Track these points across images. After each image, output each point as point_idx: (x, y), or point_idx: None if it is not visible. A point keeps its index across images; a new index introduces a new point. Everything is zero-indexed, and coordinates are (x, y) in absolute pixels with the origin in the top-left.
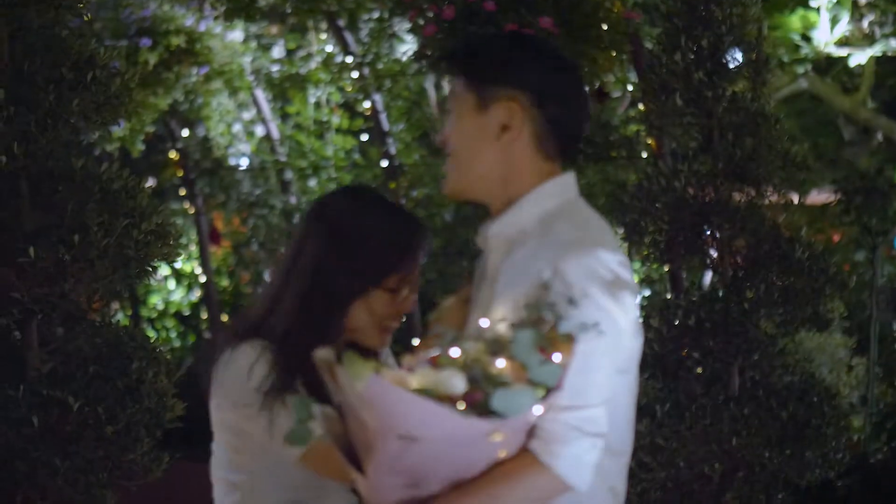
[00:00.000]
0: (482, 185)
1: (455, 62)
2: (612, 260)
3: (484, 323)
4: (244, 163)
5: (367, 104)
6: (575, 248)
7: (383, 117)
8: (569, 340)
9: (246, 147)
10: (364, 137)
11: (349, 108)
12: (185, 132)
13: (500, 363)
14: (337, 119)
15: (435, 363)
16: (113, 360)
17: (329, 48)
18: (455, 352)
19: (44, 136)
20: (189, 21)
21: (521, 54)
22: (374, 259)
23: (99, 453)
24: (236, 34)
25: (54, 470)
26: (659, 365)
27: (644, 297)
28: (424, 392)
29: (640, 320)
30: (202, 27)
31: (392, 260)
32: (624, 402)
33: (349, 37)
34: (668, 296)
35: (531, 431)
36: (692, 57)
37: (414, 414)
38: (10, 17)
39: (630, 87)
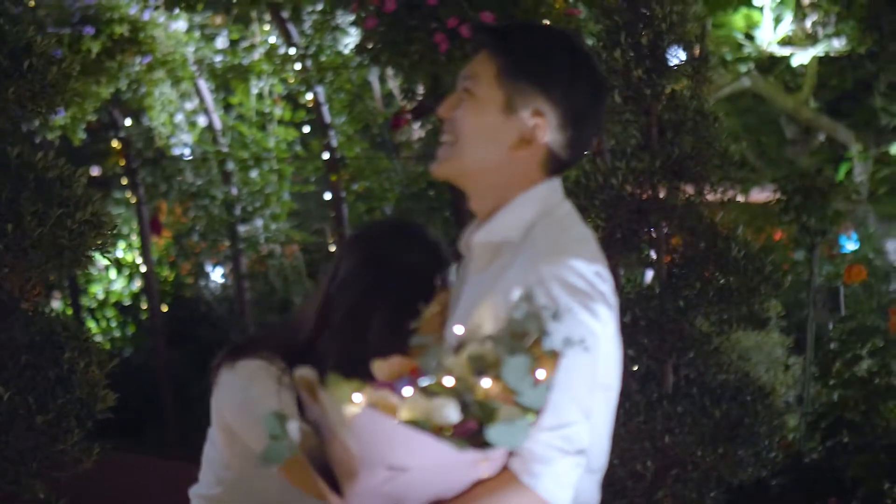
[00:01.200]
0: (476, 181)
1: (494, 44)
2: (588, 270)
3: (458, 330)
4: (187, 153)
5: (309, 96)
6: (549, 258)
7: (325, 109)
8: (553, 357)
9: (188, 137)
10: (306, 129)
11: (292, 99)
12: (128, 122)
13: (486, 383)
14: (279, 111)
15: (426, 390)
16: (45, 350)
17: (272, 39)
18: (448, 381)
19: None
20: (133, 10)
21: (566, 63)
22: (409, 295)
23: (29, 443)
24: (180, 24)
25: None
26: None
27: None
28: (417, 423)
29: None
30: (146, 16)
31: (421, 295)
32: (603, 418)
33: (292, 28)
34: None
35: (511, 451)
36: (632, 54)
37: (406, 446)
38: None
39: None
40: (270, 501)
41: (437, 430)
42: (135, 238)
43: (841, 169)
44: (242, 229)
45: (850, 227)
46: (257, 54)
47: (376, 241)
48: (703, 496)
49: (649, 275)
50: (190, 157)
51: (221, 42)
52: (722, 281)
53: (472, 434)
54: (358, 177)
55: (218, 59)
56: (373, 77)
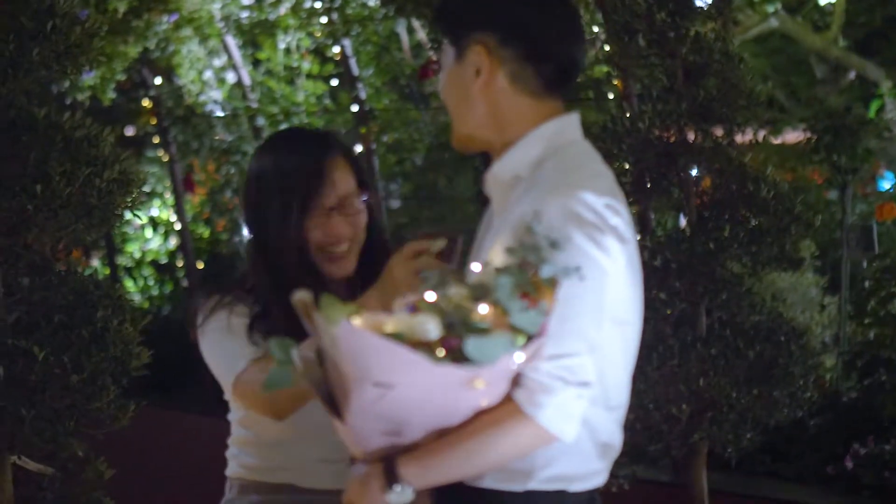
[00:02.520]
0: (478, 134)
1: (434, 15)
2: (598, 202)
3: (476, 268)
4: (217, 110)
5: (336, 49)
6: (558, 190)
7: (353, 62)
8: (551, 285)
9: (218, 94)
10: (334, 83)
11: (319, 53)
12: (158, 80)
13: (483, 309)
14: (307, 65)
15: (414, 308)
16: (78, 309)
17: None
18: (430, 295)
19: (4, 85)
20: None
21: None
22: (286, 192)
23: (65, 402)
24: None
25: (20, 419)
26: None
27: None
28: (397, 337)
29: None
30: None
31: (301, 187)
32: (619, 353)
33: None
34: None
35: (515, 380)
36: None
37: (387, 360)
38: None
39: (596, 29)
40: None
41: (419, 346)
42: (169, 196)
43: (872, 107)
44: None
45: (882, 166)
46: (283, 9)
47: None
48: (740, 438)
49: (684, 219)
50: (220, 114)
51: None
52: (753, 222)
53: (453, 350)
54: (387, 128)
55: (244, 14)
56: (401, 28)
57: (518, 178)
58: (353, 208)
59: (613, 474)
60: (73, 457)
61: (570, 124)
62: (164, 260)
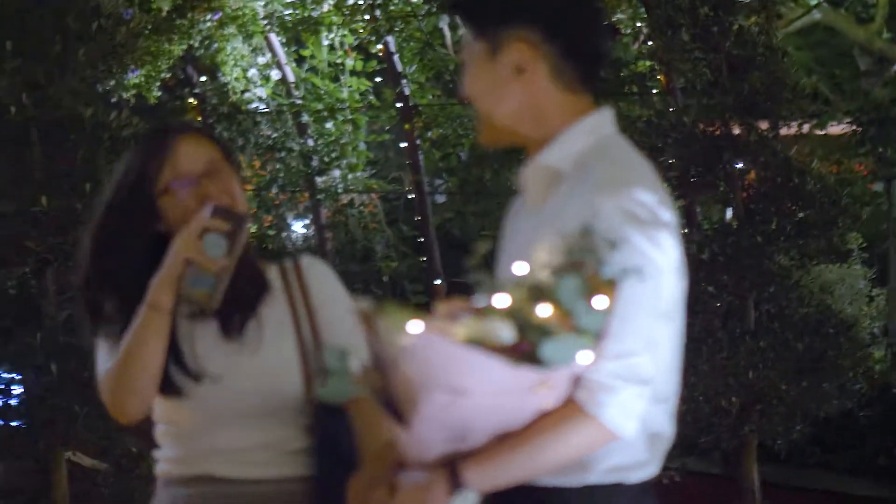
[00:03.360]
0: (512, 130)
1: (460, 10)
2: (650, 199)
3: (520, 268)
4: (261, 107)
5: (380, 46)
6: (611, 189)
7: (396, 59)
8: (611, 286)
9: (262, 91)
10: (378, 79)
11: (363, 49)
12: (203, 78)
13: (544, 310)
14: (351, 61)
15: (480, 313)
16: None
17: None
18: (503, 300)
19: (51, 86)
20: None
21: None
22: (118, 185)
23: None
24: None
25: (74, 416)
26: None
27: None
28: (472, 343)
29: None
30: None
31: (137, 168)
32: (668, 347)
33: None
34: (684, 231)
35: (576, 382)
36: None
37: (462, 366)
38: None
39: (640, 24)
40: None
41: (493, 350)
42: None
43: None
44: (320, 180)
45: None
46: (327, 6)
47: None
48: (790, 430)
49: (731, 212)
50: (265, 111)
51: None
52: (800, 215)
53: (526, 354)
54: (431, 124)
55: (287, 12)
56: (443, 23)
57: (558, 173)
58: (220, 177)
59: (665, 466)
60: (126, 452)
61: (607, 118)
62: None
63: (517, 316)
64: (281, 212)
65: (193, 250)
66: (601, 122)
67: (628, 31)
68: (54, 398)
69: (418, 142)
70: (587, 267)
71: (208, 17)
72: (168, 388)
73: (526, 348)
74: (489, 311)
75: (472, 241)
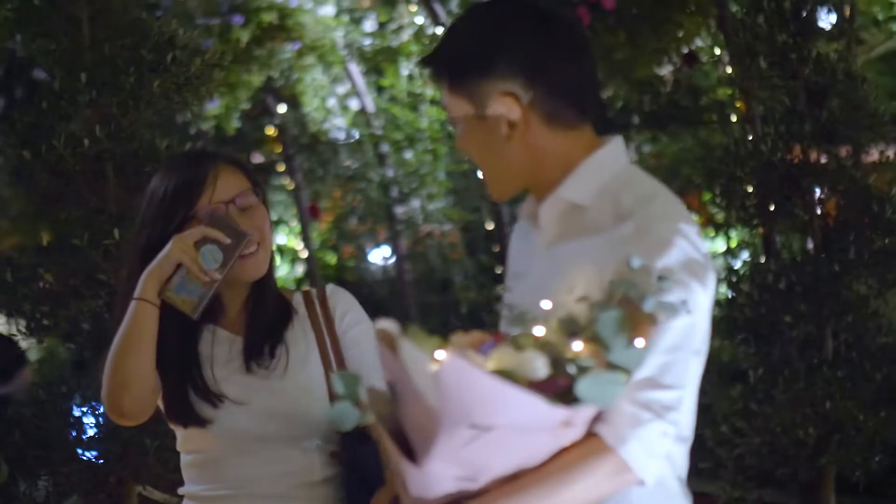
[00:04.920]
0: (518, 181)
1: (435, 70)
2: (692, 232)
3: (546, 305)
4: (341, 137)
5: None
6: (656, 224)
7: None
8: (652, 321)
9: (341, 121)
10: None
11: None
12: (282, 108)
13: (577, 345)
14: (430, 91)
15: (513, 342)
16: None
17: (420, 20)
18: (538, 330)
19: (126, 117)
20: None
21: (498, 35)
22: (168, 201)
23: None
24: (328, 9)
25: (145, 450)
26: (751, 329)
27: (743, 263)
28: (509, 376)
29: (725, 288)
30: (294, 3)
31: (182, 193)
32: (696, 384)
33: (439, 8)
34: (761, 259)
35: (598, 416)
36: (776, 19)
37: (493, 400)
38: (90, 0)
39: (718, 51)
40: None
41: (525, 384)
42: (295, 224)
43: None
44: (400, 211)
45: None
46: (406, 35)
47: None
48: (868, 461)
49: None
50: (345, 141)
51: (369, 25)
52: (878, 243)
53: (561, 392)
54: None
55: (367, 42)
56: None
57: (577, 208)
58: (250, 211)
59: (741, 498)
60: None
61: (619, 148)
62: (292, 287)
63: (551, 349)
64: (360, 242)
65: (188, 257)
66: (616, 153)
67: (708, 58)
68: (126, 432)
69: None
70: (628, 301)
71: (288, 47)
72: (188, 415)
73: (561, 384)
74: (522, 340)
75: None
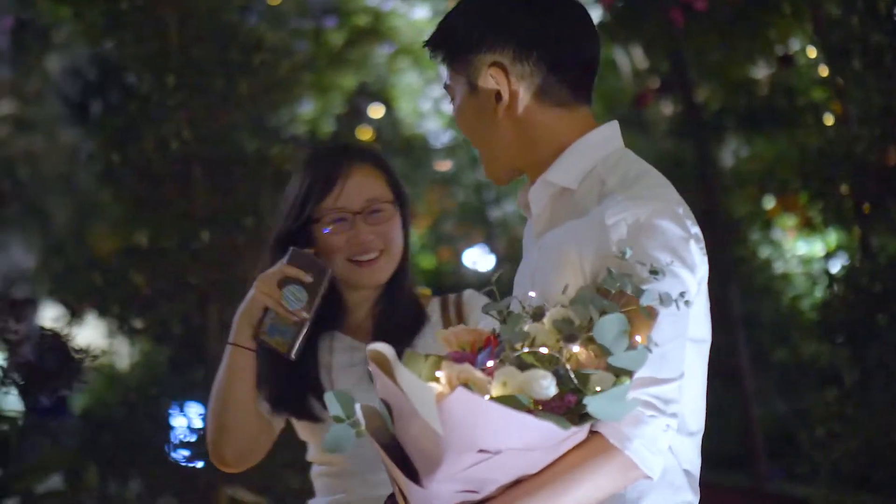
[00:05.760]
0: (510, 160)
1: (433, 49)
2: (677, 214)
3: (535, 300)
4: (435, 140)
5: None
6: (636, 208)
7: None
8: (651, 316)
9: (436, 124)
10: None
11: None
12: (380, 112)
13: (575, 348)
14: None
15: (518, 361)
16: None
17: None
18: (544, 349)
19: (214, 120)
20: (374, 0)
21: (492, 8)
22: (292, 201)
23: (286, 435)
24: (422, 12)
25: None
26: (847, 332)
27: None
28: (511, 399)
29: (822, 290)
30: (387, 6)
31: (312, 191)
32: (696, 375)
33: None
34: (857, 262)
35: None
36: (869, 20)
37: (502, 428)
38: (178, 4)
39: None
40: None
41: (534, 405)
42: None
43: None
44: (494, 214)
45: None
46: None
47: None
48: None
49: None
50: (439, 144)
51: None
52: None
53: (570, 408)
54: None
55: None
56: (619, 54)
57: (566, 191)
58: (376, 216)
59: (839, 502)
60: (288, 489)
61: (613, 132)
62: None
63: (552, 360)
64: (457, 246)
65: (272, 299)
66: (609, 136)
67: (802, 60)
68: None
69: None
70: (624, 297)
71: (381, 50)
72: (300, 409)
73: (570, 401)
74: (528, 358)
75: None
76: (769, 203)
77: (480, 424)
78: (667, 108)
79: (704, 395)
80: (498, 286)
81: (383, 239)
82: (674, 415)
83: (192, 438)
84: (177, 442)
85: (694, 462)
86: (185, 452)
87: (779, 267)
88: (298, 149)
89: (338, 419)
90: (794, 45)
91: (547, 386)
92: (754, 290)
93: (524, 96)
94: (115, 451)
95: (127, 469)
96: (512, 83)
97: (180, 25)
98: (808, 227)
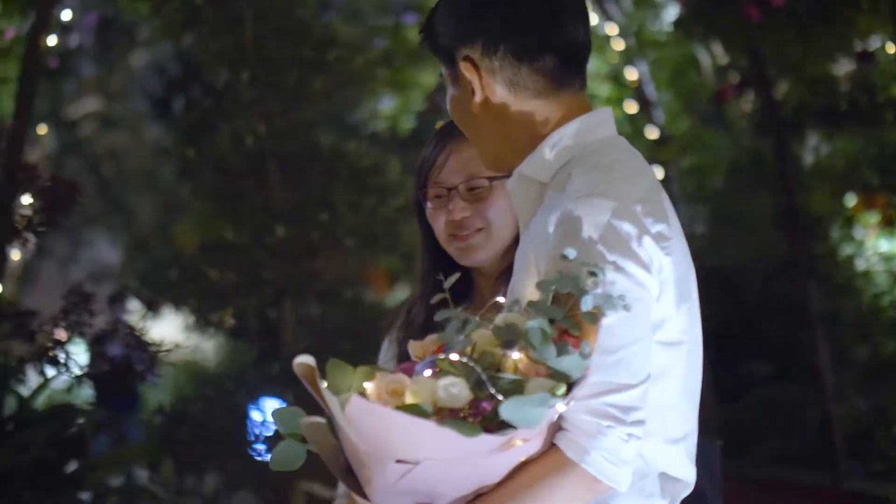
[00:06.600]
0: (501, 153)
1: (422, 44)
2: (633, 210)
3: (501, 300)
4: None
5: (633, 77)
6: (586, 200)
7: (650, 87)
8: (594, 320)
9: None
10: (632, 109)
11: (615, 78)
12: None
13: (516, 355)
14: (604, 90)
15: (437, 366)
16: (365, 337)
17: (593, 19)
18: (454, 356)
19: (288, 115)
20: None
21: (458, 6)
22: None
23: None
24: None
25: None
26: None
27: None
28: (420, 408)
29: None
30: None
31: (419, 172)
32: (675, 379)
33: (612, 7)
34: None
35: (559, 423)
36: None
37: (406, 437)
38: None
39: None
40: None
41: (447, 413)
42: None
43: None
44: None
45: None
46: None
47: None
48: None
49: None
50: None
51: None
52: None
53: (486, 415)
54: (686, 153)
55: None
56: (701, 51)
57: (543, 185)
58: (474, 194)
59: None
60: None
61: (598, 121)
62: None
63: (475, 368)
64: None
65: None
66: (589, 126)
67: (883, 56)
68: None
69: (672, 171)
70: (567, 300)
71: None
72: None
73: (485, 409)
74: (443, 364)
75: (729, 273)
76: (850, 200)
77: (386, 434)
78: (747, 105)
79: (693, 398)
80: None
81: (481, 217)
82: (638, 422)
83: (269, 433)
84: (253, 436)
85: (682, 468)
86: (262, 447)
87: (860, 264)
88: (375, 144)
89: (288, 435)
90: (875, 41)
91: (457, 395)
92: (835, 288)
93: (497, 90)
94: (191, 445)
95: (203, 463)
96: (483, 77)
97: (255, 21)
98: (890, 224)
